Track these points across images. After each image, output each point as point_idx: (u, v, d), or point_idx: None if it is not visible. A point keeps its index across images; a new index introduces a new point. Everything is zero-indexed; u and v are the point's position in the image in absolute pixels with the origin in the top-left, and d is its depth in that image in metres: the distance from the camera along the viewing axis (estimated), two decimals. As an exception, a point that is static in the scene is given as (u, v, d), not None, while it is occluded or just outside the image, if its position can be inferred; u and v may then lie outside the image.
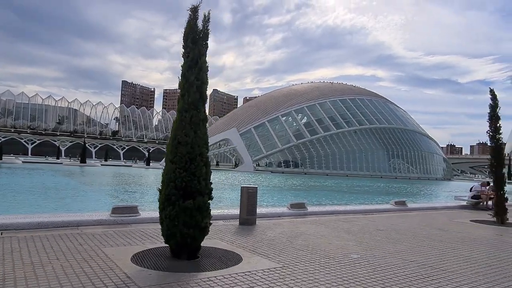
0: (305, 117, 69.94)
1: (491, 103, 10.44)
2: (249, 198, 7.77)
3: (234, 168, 62.79)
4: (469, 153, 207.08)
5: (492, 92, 10.47)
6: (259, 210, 9.39)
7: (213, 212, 9.07)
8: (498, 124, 10.34)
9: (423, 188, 36.73)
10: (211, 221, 5.08)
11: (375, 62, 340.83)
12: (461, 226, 9.24)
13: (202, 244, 5.29)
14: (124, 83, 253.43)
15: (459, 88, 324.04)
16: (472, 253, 6.12)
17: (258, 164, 61.79)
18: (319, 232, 7.30)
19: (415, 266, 5.05)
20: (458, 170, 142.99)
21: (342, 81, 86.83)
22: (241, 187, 7.93)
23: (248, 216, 7.77)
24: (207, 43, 5.11)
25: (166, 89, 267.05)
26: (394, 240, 6.86)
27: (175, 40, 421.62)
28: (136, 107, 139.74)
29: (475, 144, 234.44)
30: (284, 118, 69.37)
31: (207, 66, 5.13)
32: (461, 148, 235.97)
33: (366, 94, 77.26)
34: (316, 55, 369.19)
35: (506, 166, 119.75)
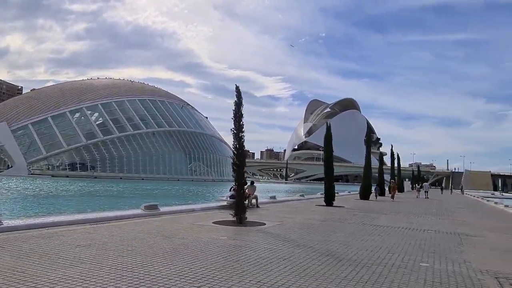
0: (99, 116, 63.66)
1: (236, 100, 10.23)
2: None
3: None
4: (259, 158, 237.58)
5: (237, 89, 10.28)
6: None
7: None
8: (241, 122, 10.19)
9: (210, 189, 38.00)
10: None
11: (184, 69, 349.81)
12: (194, 230, 8.39)
13: None
14: None
15: (255, 101, 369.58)
16: (165, 267, 4.90)
17: (32, 167, 51.92)
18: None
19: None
20: (250, 172, 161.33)
21: (152, 84, 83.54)
22: None
23: None
24: None
25: None
26: (70, 263, 5.04)
27: None
28: None
29: (264, 150, 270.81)
30: (74, 115, 61.22)
31: None
32: (254, 153, 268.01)
33: (167, 97, 76.76)
34: (125, 53, 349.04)
35: (284, 170, 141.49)
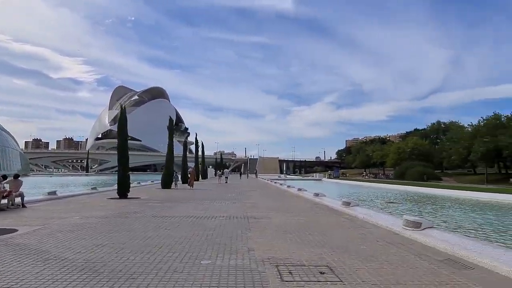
0: None
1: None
2: None
3: None
4: (55, 148, 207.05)
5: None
6: None
7: None
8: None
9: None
10: None
11: None
12: None
13: None
14: None
15: (50, 83, 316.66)
16: None
17: None
18: None
19: None
20: (42, 165, 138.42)
21: None
22: None
23: None
24: None
25: None
26: None
27: None
28: None
29: (62, 139, 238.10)
30: None
31: None
32: (48, 142, 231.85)
33: None
34: None
35: (85, 160, 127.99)
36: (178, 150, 36.80)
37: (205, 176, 49.59)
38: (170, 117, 26.15)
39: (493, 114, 51.21)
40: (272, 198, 17.58)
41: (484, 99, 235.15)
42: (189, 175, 25.13)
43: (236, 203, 14.70)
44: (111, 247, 5.98)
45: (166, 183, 23.61)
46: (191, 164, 43.82)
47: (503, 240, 10.15)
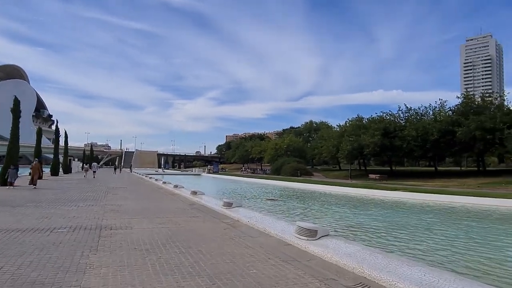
0: None
1: None
2: None
3: None
4: None
5: None
6: None
7: None
8: None
9: None
10: None
11: None
12: None
13: None
14: None
15: None
16: None
17: None
18: None
19: None
20: None
21: None
22: None
23: None
24: None
25: None
26: None
27: None
28: None
29: None
30: None
31: None
32: None
33: None
34: None
35: None
36: (44, 142, 30.55)
37: (67, 170, 42.94)
38: (15, 96, 20.85)
39: (357, 116, 57.18)
40: (142, 198, 15.00)
41: (346, 104, 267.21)
42: (31, 170, 20.05)
43: (94, 205, 11.78)
44: None
45: (5, 180, 18.61)
46: (56, 157, 37.21)
47: (394, 240, 9.91)
